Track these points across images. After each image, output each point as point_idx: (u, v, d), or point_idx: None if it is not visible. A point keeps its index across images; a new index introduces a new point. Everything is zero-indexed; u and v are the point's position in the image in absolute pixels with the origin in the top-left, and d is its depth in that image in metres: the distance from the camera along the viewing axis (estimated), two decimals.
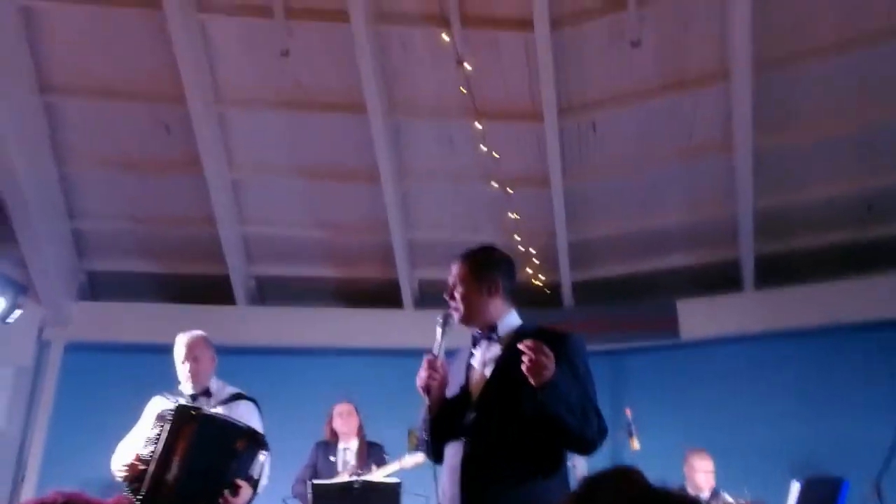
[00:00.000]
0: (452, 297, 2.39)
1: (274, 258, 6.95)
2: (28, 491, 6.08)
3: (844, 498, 4.59)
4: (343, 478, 4.31)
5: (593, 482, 0.86)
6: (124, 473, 3.08)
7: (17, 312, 3.48)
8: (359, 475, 4.18)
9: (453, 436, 2.25)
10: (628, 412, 4.98)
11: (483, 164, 5.82)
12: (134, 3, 5.38)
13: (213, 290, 6.83)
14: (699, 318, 6.56)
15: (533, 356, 2.04)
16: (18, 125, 5.51)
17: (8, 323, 3.47)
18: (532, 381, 2.05)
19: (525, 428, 2.15)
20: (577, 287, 6.97)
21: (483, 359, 2.35)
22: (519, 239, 6.35)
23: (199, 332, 3.51)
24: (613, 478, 0.87)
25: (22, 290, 3.58)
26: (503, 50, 5.59)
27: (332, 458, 4.76)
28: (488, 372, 2.29)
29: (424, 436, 2.30)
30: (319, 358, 6.75)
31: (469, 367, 2.37)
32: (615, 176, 6.37)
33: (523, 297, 7.50)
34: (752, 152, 5.79)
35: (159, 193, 6.47)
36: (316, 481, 4.19)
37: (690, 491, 5.05)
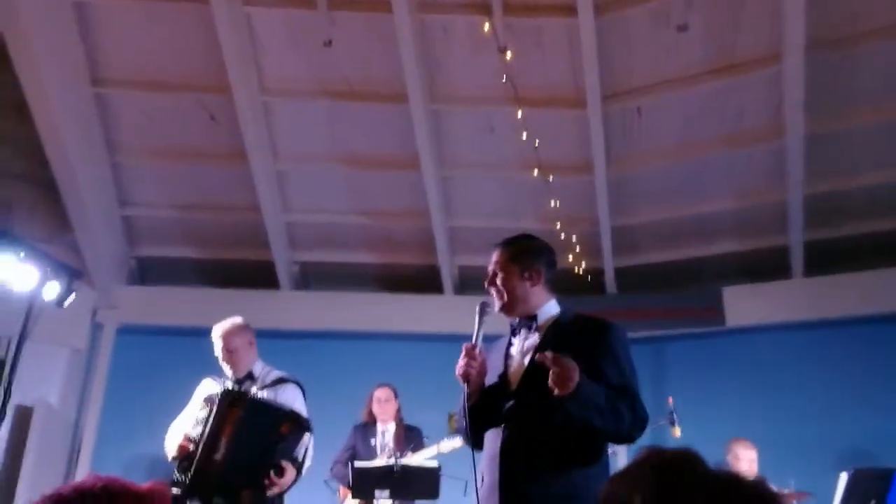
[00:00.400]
0: (493, 285, 2.38)
1: (317, 244, 7.05)
2: (82, 470, 6.33)
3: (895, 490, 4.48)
4: (381, 460, 4.38)
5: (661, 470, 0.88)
6: (175, 452, 3.18)
7: (72, 296, 3.60)
8: (397, 458, 4.24)
9: (492, 424, 2.25)
10: (670, 401, 4.94)
11: (524, 151, 5.79)
12: None
13: (258, 276, 6.97)
14: (746, 305, 6.46)
15: (556, 369, 2.03)
16: (72, 117, 5.68)
17: (63, 307, 3.58)
18: (556, 393, 2.04)
19: (564, 417, 2.14)
20: (621, 274, 6.92)
21: (522, 347, 2.35)
22: (559, 226, 6.31)
23: (231, 322, 3.52)
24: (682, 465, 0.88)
25: (77, 274, 3.68)
26: (546, 36, 5.53)
27: (371, 441, 4.83)
28: (527, 361, 2.29)
29: (464, 423, 2.30)
30: (361, 342, 6.85)
31: (508, 355, 2.37)
32: (660, 162, 6.27)
33: (565, 285, 7.50)
34: (804, 137, 5.64)
35: (206, 182, 6.61)
36: (357, 464, 4.26)
37: None
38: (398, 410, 4.97)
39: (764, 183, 6.23)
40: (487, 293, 2.43)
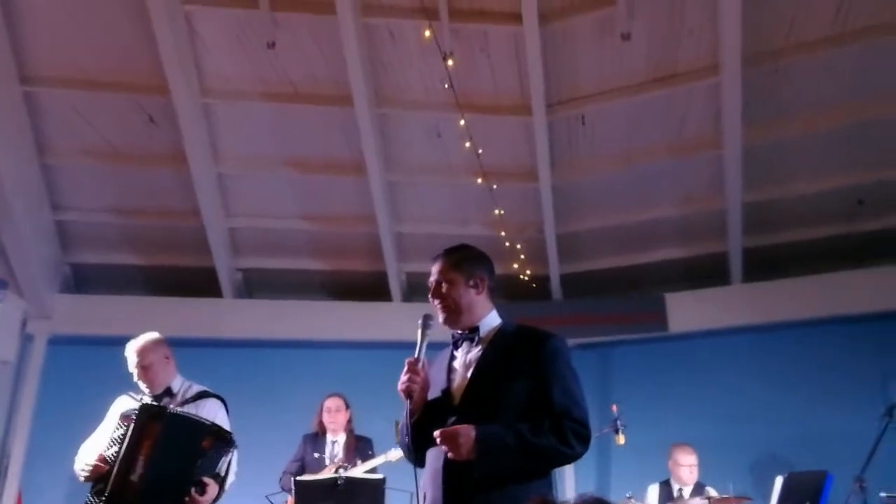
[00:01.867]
0: (437, 296, 2.33)
1: (261, 251, 6.90)
2: (11, 484, 6.03)
3: (828, 491, 4.61)
4: (329, 471, 4.29)
5: None
6: (87, 474, 3.04)
7: None
8: (345, 469, 4.15)
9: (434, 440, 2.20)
10: (614, 408, 4.99)
11: (471, 157, 5.78)
12: None
13: (200, 283, 6.78)
14: (687, 310, 6.59)
15: (449, 445, 2.04)
16: None
17: None
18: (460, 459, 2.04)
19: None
20: (566, 280, 6.97)
21: (465, 361, 2.31)
22: (504, 234, 6.32)
23: (144, 337, 3.40)
24: None
25: (2, 284, 3.50)
26: (492, 43, 5.54)
27: (319, 452, 4.75)
28: (469, 375, 2.26)
29: (406, 439, 2.26)
30: (307, 351, 6.73)
31: (451, 369, 2.33)
32: (604, 170, 6.35)
33: (511, 291, 7.50)
34: (742, 147, 5.78)
35: (144, 186, 6.39)
36: (299, 478, 4.17)
37: (675, 485, 5.07)
38: (349, 421, 4.90)
39: (705, 191, 6.37)
40: (431, 305, 2.38)
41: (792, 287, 6.29)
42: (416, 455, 2.28)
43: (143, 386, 3.33)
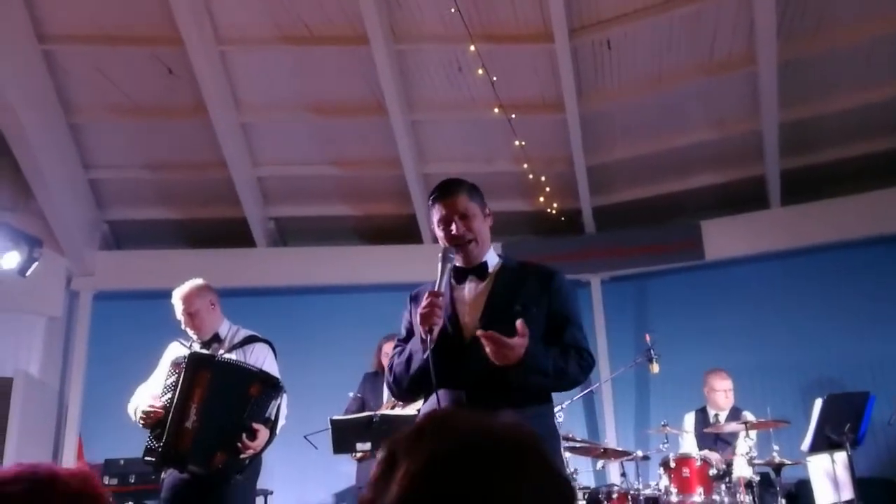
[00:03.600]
0: (462, 230, 2.26)
1: (290, 199, 6.93)
2: (72, 433, 6.34)
3: (870, 412, 4.53)
4: (387, 408, 4.39)
5: (414, 438, 0.80)
6: (143, 421, 3.14)
7: (34, 265, 3.50)
8: (401, 407, 4.23)
9: (448, 381, 2.18)
10: (647, 338, 4.93)
11: (493, 91, 5.62)
12: None
13: (233, 234, 6.87)
14: (724, 237, 6.44)
15: (494, 348, 2.05)
16: (20, 77, 5.44)
17: (26, 276, 3.48)
18: (500, 364, 2.07)
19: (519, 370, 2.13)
20: (598, 213, 6.85)
21: (472, 295, 2.29)
22: (528, 167, 6.20)
23: (189, 284, 3.41)
24: (434, 428, 0.81)
25: (37, 243, 3.59)
26: None
27: (378, 390, 4.82)
28: (483, 308, 2.25)
29: (416, 373, 2.23)
30: (342, 295, 6.82)
31: (454, 300, 2.29)
32: (634, 96, 6.13)
33: (541, 226, 7.40)
34: (777, 62, 5.50)
35: (170, 139, 6.43)
36: (334, 417, 4.25)
37: (711, 411, 5.04)
38: None
39: (740, 112, 6.12)
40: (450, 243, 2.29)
41: (832, 208, 6.07)
42: (432, 384, 2.19)
43: (190, 333, 3.37)
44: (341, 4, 5.49)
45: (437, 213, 2.31)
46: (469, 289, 2.32)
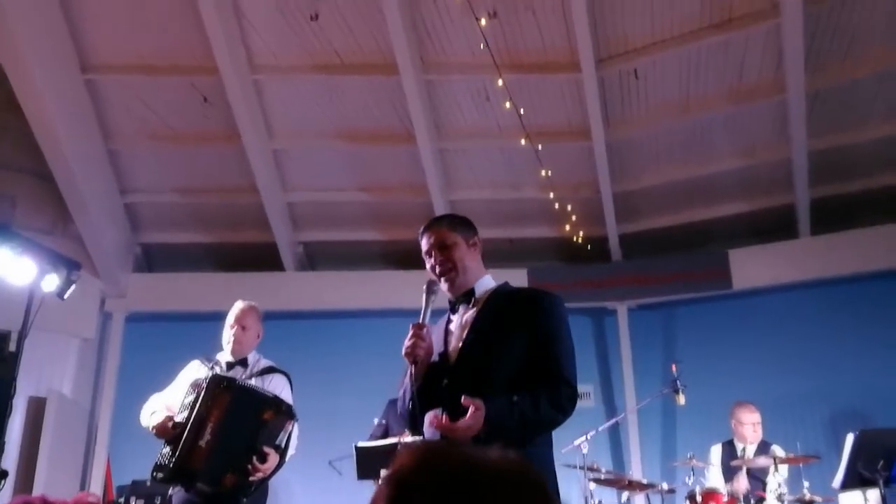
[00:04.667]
0: (442, 260, 2.28)
1: (320, 224, 7.03)
2: (101, 454, 6.43)
3: None
4: (409, 435, 4.38)
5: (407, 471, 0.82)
6: (156, 429, 3.18)
7: (72, 288, 3.59)
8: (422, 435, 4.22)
9: (431, 404, 2.15)
10: (674, 368, 4.89)
11: (521, 121, 5.68)
12: None
13: (263, 258, 6.98)
14: (752, 267, 6.38)
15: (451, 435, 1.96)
16: (64, 106, 5.65)
17: (64, 299, 3.58)
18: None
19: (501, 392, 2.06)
20: (625, 240, 6.84)
21: (461, 322, 2.28)
22: (553, 195, 6.23)
23: (254, 304, 3.55)
24: (424, 463, 0.83)
25: (76, 266, 3.67)
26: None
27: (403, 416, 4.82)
28: (465, 335, 2.22)
29: (407, 406, 2.21)
30: (369, 319, 6.85)
31: (447, 332, 2.30)
32: (661, 124, 6.15)
33: (568, 254, 7.38)
34: (806, 91, 5.49)
35: (204, 165, 6.59)
36: (360, 444, 4.27)
37: (738, 444, 4.95)
38: None
39: (768, 140, 6.10)
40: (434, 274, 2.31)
41: (862, 238, 5.99)
42: (418, 420, 2.20)
43: (227, 347, 3.44)
44: (372, 34, 5.61)
45: (422, 248, 2.35)
46: (459, 318, 2.30)
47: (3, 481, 3.00)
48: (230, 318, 3.46)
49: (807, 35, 5.18)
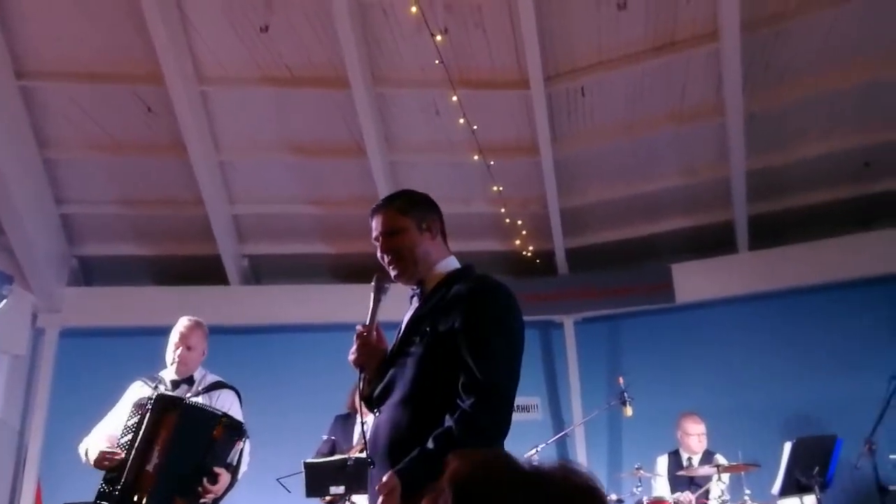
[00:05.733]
0: (389, 249, 2.03)
1: (266, 237, 6.91)
2: (31, 475, 6.12)
3: (838, 455, 4.60)
4: (356, 451, 4.32)
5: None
6: (100, 462, 3.02)
7: (3, 302, 3.43)
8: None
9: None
10: (621, 380, 4.99)
11: (471, 135, 5.73)
12: None
13: (206, 271, 6.81)
14: (694, 280, 6.56)
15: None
16: None
17: None
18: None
19: (427, 396, 1.88)
20: (572, 254, 6.95)
21: (409, 316, 2.08)
22: (504, 210, 6.30)
23: (199, 321, 3.42)
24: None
25: (7, 280, 3.52)
26: (486, 17, 5.47)
27: (349, 432, 4.75)
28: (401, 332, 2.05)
29: (363, 417, 2.08)
30: (316, 335, 6.75)
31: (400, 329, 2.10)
32: (606, 141, 6.29)
33: (516, 267, 7.45)
34: (744, 113, 5.71)
35: (147, 176, 6.40)
36: (308, 460, 4.20)
37: (684, 454, 5.08)
38: None
39: (708, 159, 6.31)
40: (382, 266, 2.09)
41: (799, 253, 6.24)
42: (363, 435, 2.10)
43: (172, 366, 3.32)
44: (323, 47, 5.58)
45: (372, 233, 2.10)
46: (409, 313, 2.09)
47: None
48: (174, 337, 3.35)
49: (744, 61, 5.40)
